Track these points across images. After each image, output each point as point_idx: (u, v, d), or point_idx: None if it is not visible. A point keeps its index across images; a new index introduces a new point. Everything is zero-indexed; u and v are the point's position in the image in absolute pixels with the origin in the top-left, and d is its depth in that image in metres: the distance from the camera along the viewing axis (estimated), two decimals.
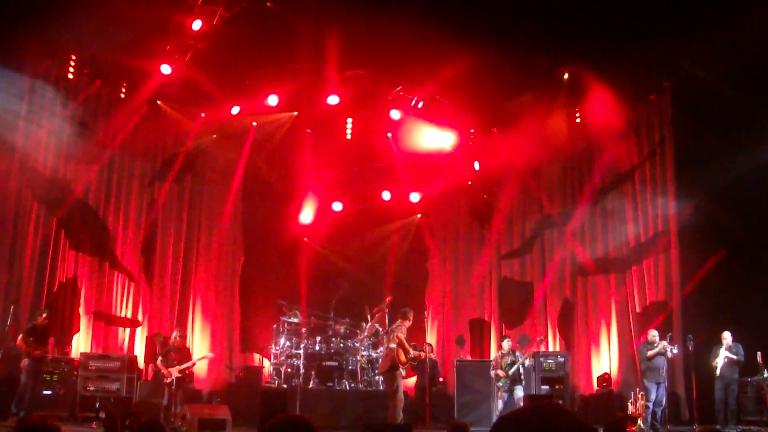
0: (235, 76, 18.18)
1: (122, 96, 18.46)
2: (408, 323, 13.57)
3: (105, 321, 17.68)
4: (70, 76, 17.54)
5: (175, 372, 14.69)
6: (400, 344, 13.46)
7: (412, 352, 13.41)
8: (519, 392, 14.60)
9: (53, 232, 17.01)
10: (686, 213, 17.51)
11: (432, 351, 16.59)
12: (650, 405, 15.39)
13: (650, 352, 15.64)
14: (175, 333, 15.85)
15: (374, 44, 16.92)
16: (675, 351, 15.68)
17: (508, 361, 14.72)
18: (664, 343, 15.56)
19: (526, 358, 15.10)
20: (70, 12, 14.76)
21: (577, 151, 19.96)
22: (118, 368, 15.86)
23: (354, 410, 15.88)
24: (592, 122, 19.59)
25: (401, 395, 13.31)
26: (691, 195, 17.28)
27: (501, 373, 14.63)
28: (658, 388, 15.47)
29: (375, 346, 17.49)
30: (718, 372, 15.70)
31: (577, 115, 19.66)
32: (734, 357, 15.60)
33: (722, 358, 15.68)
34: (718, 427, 13.98)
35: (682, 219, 17.65)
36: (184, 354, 15.35)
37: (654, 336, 15.79)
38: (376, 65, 18.06)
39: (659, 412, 15.47)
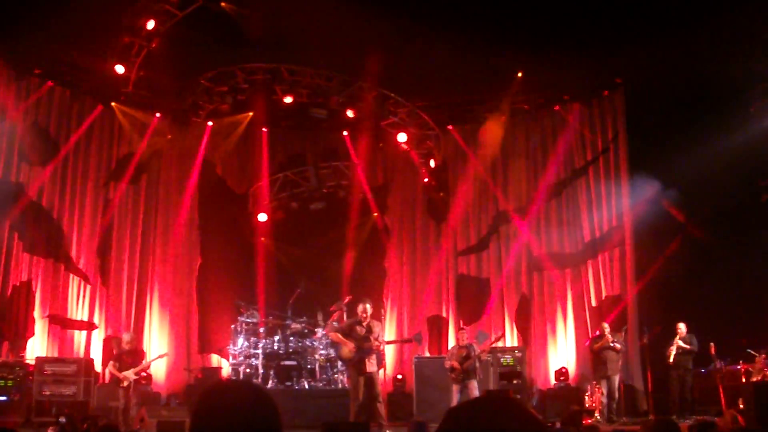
0: (189, 76, 18.09)
1: (75, 96, 18.29)
2: (358, 315, 13.55)
3: (61, 324, 17.49)
4: (22, 76, 17.37)
5: (131, 375, 14.54)
6: (336, 342, 13.59)
7: (351, 345, 13.35)
8: (474, 391, 14.58)
9: (6, 235, 16.77)
10: (640, 208, 17.74)
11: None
12: (603, 399, 15.61)
13: (595, 346, 15.95)
14: (125, 335, 15.64)
15: (329, 42, 16.92)
16: (617, 345, 15.87)
17: (464, 354, 14.72)
18: (610, 336, 15.82)
19: (481, 354, 15.12)
20: (22, 12, 14.63)
21: (532, 148, 20.14)
22: (75, 372, 15.68)
23: (314, 409, 15.83)
24: (545, 119, 19.87)
25: (356, 393, 13.30)
26: (645, 190, 17.51)
27: (455, 364, 14.61)
28: (608, 381, 15.68)
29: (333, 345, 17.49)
30: (671, 360, 15.95)
31: (531, 111, 19.89)
32: (687, 347, 15.87)
33: (675, 348, 15.94)
34: (674, 417, 14.16)
35: (636, 214, 17.88)
36: (138, 356, 15.18)
37: (605, 329, 16.05)
38: (330, 64, 18.07)
39: (613, 405, 15.67)
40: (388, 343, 15.87)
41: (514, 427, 1.83)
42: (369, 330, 13.41)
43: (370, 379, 13.34)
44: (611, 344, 15.78)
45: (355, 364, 13.35)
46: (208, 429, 2.26)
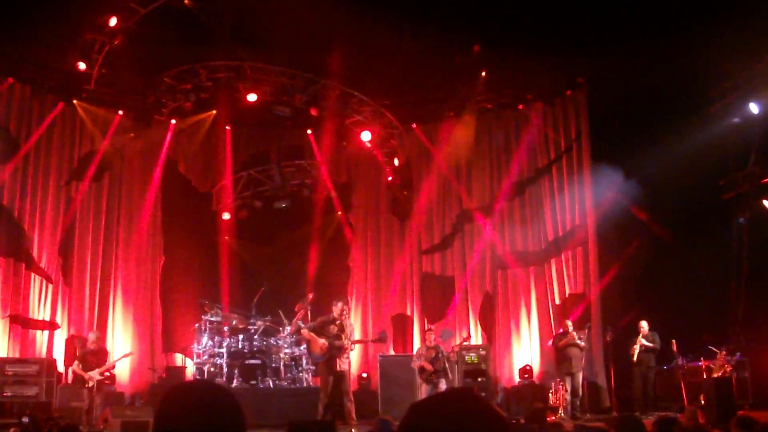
0: (152, 74, 17.95)
1: (35, 94, 18.09)
2: (332, 315, 13.59)
3: (22, 324, 17.25)
4: None
5: (95, 375, 14.45)
6: (308, 340, 13.67)
7: (321, 343, 13.42)
8: (443, 386, 14.66)
9: None
10: (602, 206, 17.90)
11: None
12: (568, 396, 15.72)
13: (560, 343, 16.06)
14: (90, 335, 15.59)
15: (293, 40, 16.92)
16: (581, 342, 16.00)
17: (433, 355, 14.80)
18: (574, 333, 15.94)
19: (448, 355, 15.18)
20: None
21: (496, 147, 20.23)
22: (37, 372, 15.48)
23: (279, 408, 15.81)
24: (508, 118, 19.98)
25: (325, 391, 13.35)
26: (607, 189, 17.67)
27: (426, 365, 14.69)
28: (572, 379, 15.81)
29: (298, 344, 17.45)
30: (635, 359, 16.14)
31: (494, 110, 19.99)
32: (650, 345, 16.06)
33: (639, 346, 16.12)
34: (637, 413, 14.30)
35: (599, 212, 18.04)
36: (102, 356, 15.08)
37: (568, 327, 16.17)
38: (294, 62, 18.03)
39: (576, 402, 15.80)
40: (357, 342, 15.82)
41: (476, 422, 1.84)
42: (341, 329, 13.45)
43: (341, 378, 13.39)
44: (577, 341, 15.91)
45: (326, 362, 13.40)
46: (172, 430, 2.26)
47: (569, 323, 16.32)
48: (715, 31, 14.60)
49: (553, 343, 16.92)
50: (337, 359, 13.27)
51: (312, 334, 13.57)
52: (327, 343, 13.32)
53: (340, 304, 13.76)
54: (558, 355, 16.33)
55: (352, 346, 14.12)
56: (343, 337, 13.39)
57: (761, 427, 7.08)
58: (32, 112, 18.04)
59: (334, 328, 13.37)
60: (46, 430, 9.78)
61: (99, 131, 18.77)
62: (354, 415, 13.44)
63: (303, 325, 16.44)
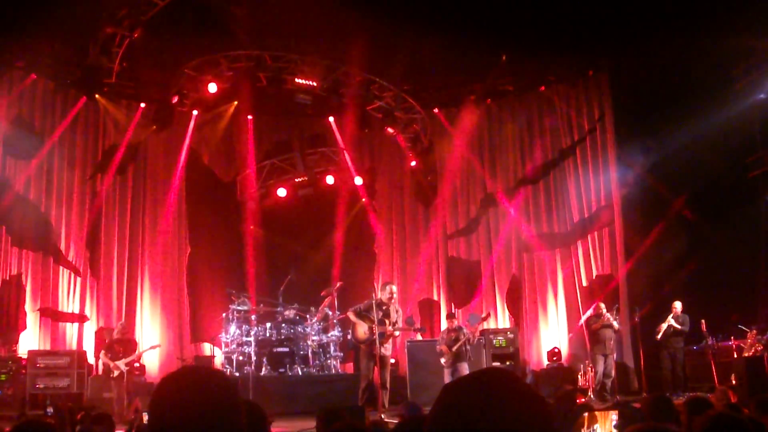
0: (173, 66, 17.99)
1: (58, 89, 18.17)
2: (377, 299, 13.58)
3: (52, 317, 17.44)
4: (4, 70, 17.27)
5: (122, 365, 14.56)
6: (352, 322, 13.65)
7: (365, 327, 13.45)
8: (464, 370, 14.61)
9: None
10: (628, 187, 17.81)
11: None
12: (599, 377, 15.65)
13: (594, 325, 15.96)
14: (118, 325, 15.76)
15: (312, 28, 16.91)
16: (616, 324, 15.91)
17: (453, 338, 14.74)
18: (608, 315, 15.84)
19: (471, 337, 15.11)
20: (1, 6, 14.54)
21: (519, 129, 20.15)
22: (68, 364, 15.64)
23: (307, 395, 15.87)
24: (531, 101, 19.89)
25: (365, 374, 13.42)
26: (632, 169, 17.58)
27: (445, 348, 14.64)
28: (605, 360, 15.74)
29: (325, 330, 17.50)
30: (658, 337, 16.02)
31: (516, 93, 19.92)
32: (679, 327, 15.95)
33: (667, 325, 16.00)
34: (667, 394, 14.23)
35: (624, 193, 17.96)
36: (130, 346, 15.21)
37: (601, 308, 16.06)
38: (314, 49, 18.02)
39: (608, 384, 15.74)
40: (400, 329, 15.65)
41: (515, 402, 1.82)
42: (386, 314, 13.44)
43: (381, 363, 13.40)
44: (613, 322, 15.83)
45: (368, 347, 13.43)
46: (165, 417, 2.26)
47: (602, 305, 16.19)
48: (737, 7, 14.45)
49: (586, 324, 16.85)
50: (379, 343, 13.25)
51: (357, 318, 13.59)
52: (369, 328, 13.34)
53: (388, 288, 13.76)
54: (592, 337, 16.24)
55: (396, 332, 14.10)
56: (387, 322, 13.39)
57: None
58: (56, 107, 18.17)
59: (378, 313, 13.34)
60: (79, 419, 9.82)
61: (122, 124, 18.87)
62: (387, 403, 13.46)
63: (329, 312, 16.52)
